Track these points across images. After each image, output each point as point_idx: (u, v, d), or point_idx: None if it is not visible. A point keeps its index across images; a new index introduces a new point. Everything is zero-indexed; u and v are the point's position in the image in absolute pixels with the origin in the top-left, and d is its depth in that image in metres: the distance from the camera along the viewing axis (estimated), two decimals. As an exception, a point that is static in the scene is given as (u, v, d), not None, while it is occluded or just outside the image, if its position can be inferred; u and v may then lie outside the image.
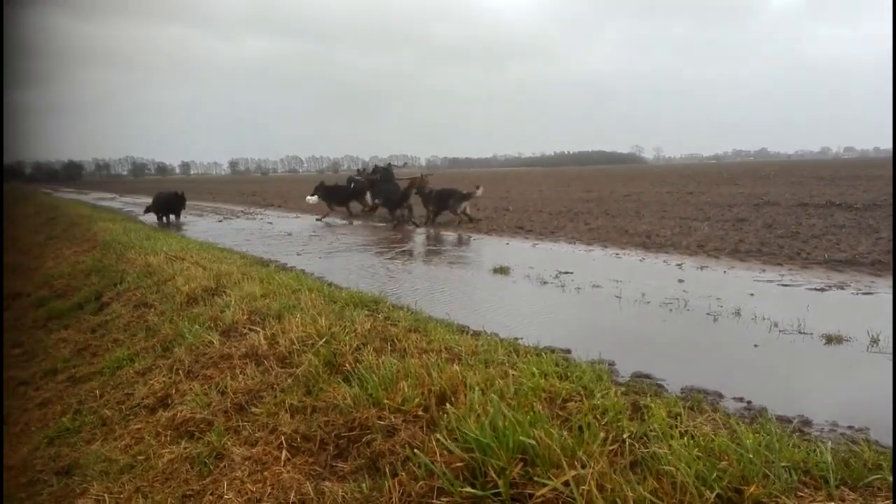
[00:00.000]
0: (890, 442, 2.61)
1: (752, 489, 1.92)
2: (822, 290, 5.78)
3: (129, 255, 8.27)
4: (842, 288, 5.82)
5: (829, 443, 2.35)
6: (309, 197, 17.83)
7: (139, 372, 4.27)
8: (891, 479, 2.08)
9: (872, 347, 3.97)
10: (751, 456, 2.06)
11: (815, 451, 2.22)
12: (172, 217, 16.90)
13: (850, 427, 2.82)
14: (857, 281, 6.11)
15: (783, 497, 1.91)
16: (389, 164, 18.62)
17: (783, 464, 2.06)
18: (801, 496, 1.94)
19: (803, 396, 3.25)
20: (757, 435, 2.27)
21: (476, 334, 4.22)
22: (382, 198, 15.83)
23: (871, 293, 5.58)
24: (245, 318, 4.38)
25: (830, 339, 4.15)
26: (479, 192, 14.09)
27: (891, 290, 5.65)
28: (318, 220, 16.26)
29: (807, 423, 2.86)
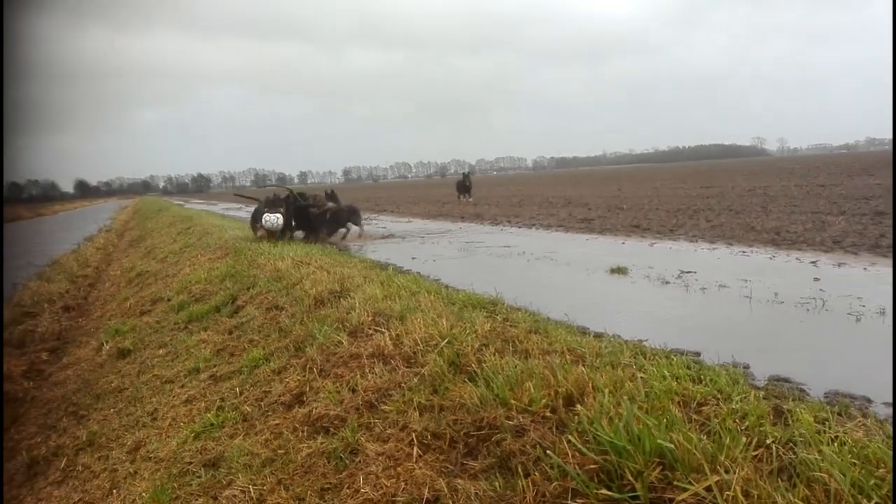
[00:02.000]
0: None
1: (915, 500, 1.78)
2: (983, 287, 5.26)
3: (260, 261, 8.73)
4: None
5: None
6: (268, 215, 12.27)
7: (275, 371, 4.51)
8: None
9: None
10: (911, 465, 1.92)
11: None
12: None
13: None
14: None
15: (954, 511, 1.76)
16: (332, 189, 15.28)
17: (951, 475, 1.89)
18: (975, 510, 1.78)
19: (967, 404, 2.97)
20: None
21: (598, 336, 4.15)
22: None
23: None
24: (370, 319, 4.54)
25: None
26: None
27: None
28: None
29: (972, 431, 2.62)
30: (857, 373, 3.48)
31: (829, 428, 2.33)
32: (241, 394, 4.47)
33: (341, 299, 5.33)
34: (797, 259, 7.23)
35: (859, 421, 2.49)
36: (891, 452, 2.04)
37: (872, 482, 1.85)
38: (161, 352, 6.78)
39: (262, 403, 4.12)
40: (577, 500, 2.09)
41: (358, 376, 3.68)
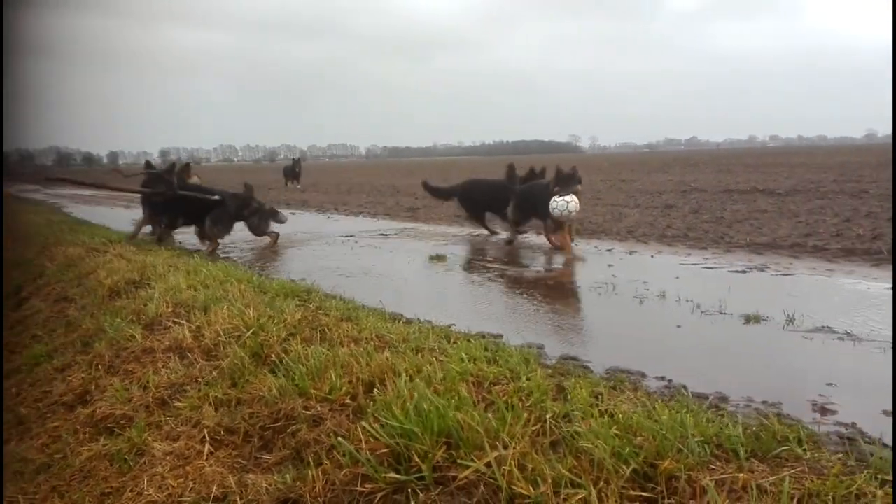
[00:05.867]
0: (800, 414, 2.74)
1: (666, 464, 1.97)
2: (743, 272, 6.01)
3: (52, 249, 7.93)
4: (762, 270, 6.06)
5: (741, 417, 2.44)
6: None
7: (58, 368, 4.11)
8: (799, 451, 2.17)
9: (788, 326, 4.14)
10: (665, 432, 2.12)
11: (727, 425, 2.30)
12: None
13: (764, 402, 2.93)
14: (776, 263, 6.37)
15: (696, 470, 1.98)
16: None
17: (697, 438, 2.12)
18: (713, 469, 2.01)
19: (722, 374, 3.36)
20: (672, 411, 2.33)
21: (409, 322, 4.22)
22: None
23: (790, 274, 5.83)
24: (169, 310, 4.26)
25: (749, 319, 4.31)
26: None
27: (809, 271, 5.92)
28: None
29: (723, 399, 2.97)
30: (637, 350, 3.82)
31: (602, 402, 2.53)
32: (17, 395, 4.02)
33: (140, 290, 4.96)
34: (595, 247, 7.83)
35: (629, 394, 2.73)
36: (650, 422, 2.25)
37: (630, 449, 2.03)
38: (-75, 352, 5.94)
39: (40, 405, 3.74)
40: (367, 486, 2.09)
41: (150, 372, 3.43)
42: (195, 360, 3.48)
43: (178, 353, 3.60)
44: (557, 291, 5.46)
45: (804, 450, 2.18)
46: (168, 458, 2.67)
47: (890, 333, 3.90)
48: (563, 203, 7.20)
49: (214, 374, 3.27)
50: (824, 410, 2.85)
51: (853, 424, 2.67)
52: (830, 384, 3.13)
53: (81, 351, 4.18)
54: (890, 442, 2.40)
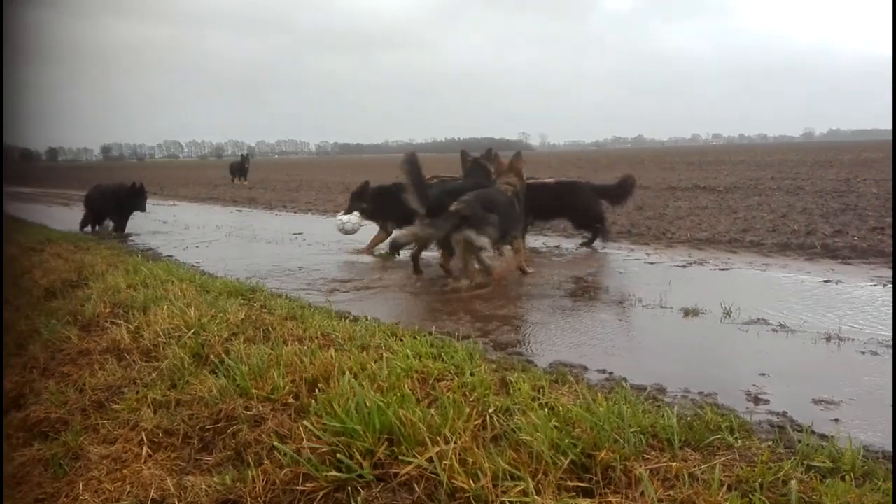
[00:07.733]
0: (734, 404, 2.83)
1: (602, 454, 2.02)
2: (683, 266, 6.17)
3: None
4: (701, 264, 6.24)
5: (676, 407, 2.51)
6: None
7: (-11, 372, 3.96)
8: (730, 439, 2.25)
9: (725, 319, 4.27)
10: (602, 423, 2.17)
11: (663, 416, 2.36)
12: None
13: (700, 393, 3.02)
14: (715, 258, 6.56)
15: (631, 460, 2.03)
16: None
17: (633, 429, 2.18)
18: (648, 458, 2.06)
19: (661, 366, 3.45)
20: (611, 403, 2.38)
21: (355, 320, 4.20)
22: None
23: (728, 269, 6.01)
24: (107, 311, 4.15)
25: (688, 312, 4.43)
26: None
27: (746, 265, 6.12)
28: None
29: (661, 390, 3.04)
30: (579, 344, 3.88)
31: (544, 395, 2.57)
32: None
33: (77, 290, 4.81)
34: (543, 244, 7.95)
35: (570, 387, 2.77)
36: (587, 414, 2.29)
37: (568, 441, 2.07)
38: None
39: (-29, 410, 3.59)
40: (308, 485, 2.08)
41: (87, 374, 3.33)
42: (133, 361, 3.39)
43: (115, 355, 3.51)
44: (505, 289, 5.50)
45: (736, 438, 2.26)
46: (105, 461, 2.59)
47: (822, 324, 4.06)
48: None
49: (153, 375, 3.20)
50: (757, 400, 2.95)
51: (784, 413, 2.78)
52: (764, 374, 3.24)
53: (15, 353, 4.04)
54: (818, 429, 2.50)
